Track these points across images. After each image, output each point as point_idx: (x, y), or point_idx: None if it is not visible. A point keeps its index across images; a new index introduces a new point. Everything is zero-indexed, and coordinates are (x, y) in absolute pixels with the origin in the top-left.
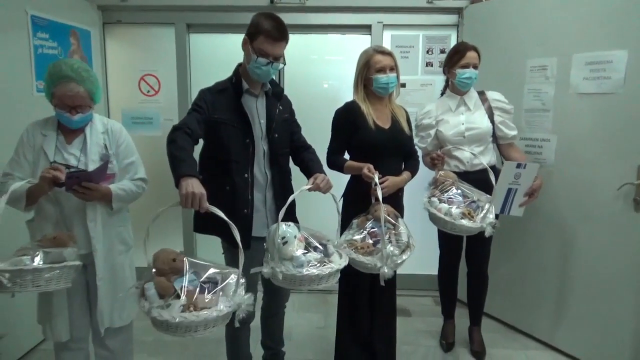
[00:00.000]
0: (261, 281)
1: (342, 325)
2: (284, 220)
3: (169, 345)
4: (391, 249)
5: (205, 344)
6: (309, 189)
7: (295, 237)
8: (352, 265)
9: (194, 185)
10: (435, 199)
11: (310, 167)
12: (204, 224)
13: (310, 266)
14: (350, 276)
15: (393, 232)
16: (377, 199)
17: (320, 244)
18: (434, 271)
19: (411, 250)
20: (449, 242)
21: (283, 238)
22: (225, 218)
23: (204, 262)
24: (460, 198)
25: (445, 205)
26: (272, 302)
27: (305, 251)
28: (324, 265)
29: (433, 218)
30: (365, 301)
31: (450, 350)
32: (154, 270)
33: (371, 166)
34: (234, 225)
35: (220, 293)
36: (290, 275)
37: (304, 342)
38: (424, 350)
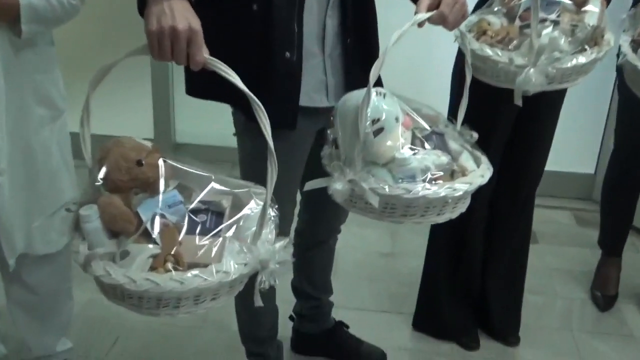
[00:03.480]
0: (300, 187)
1: (434, 261)
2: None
3: None
4: (555, 35)
5: None
6: (430, 20)
7: (397, 120)
8: (475, 74)
9: (178, 14)
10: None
11: None
12: (207, 80)
13: (429, 179)
14: None
15: (575, 18)
16: None
17: (435, 133)
18: (582, 169)
19: (600, 51)
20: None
21: (376, 121)
22: (240, 84)
23: (198, 171)
24: None
25: None
26: (318, 224)
27: (415, 149)
28: (455, 175)
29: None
30: (479, 232)
31: (609, 307)
32: (100, 180)
33: None
34: (254, 99)
35: (229, 235)
36: (391, 196)
37: (357, 280)
38: (565, 305)
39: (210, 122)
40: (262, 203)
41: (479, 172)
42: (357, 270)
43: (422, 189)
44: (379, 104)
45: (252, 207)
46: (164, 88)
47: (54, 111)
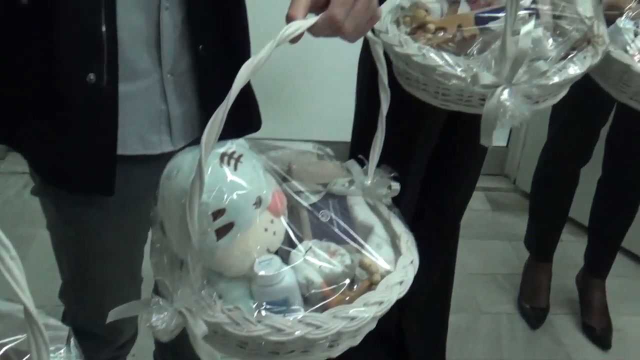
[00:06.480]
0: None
1: None
2: (231, 128)
3: None
4: (539, 34)
5: None
6: (313, 30)
7: (257, 204)
8: (404, 86)
9: None
10: (627, 22)
11: None
12: None
13: (314, 298)
14: None
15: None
16: None
17: (330, 197)
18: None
19: (597, 54)
20: (583, 104)
21: (220, 213)
22: None
23: None
24: None
25: None
26: None
27: (293, 245)
28: (357, 281)
29: (615, 73)
30: None
31: (541, 322)
32: None
33: None
34: None
35: None
36: (241, 337)
37: None
38: (491, 324)
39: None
40: None
41: (396, 275)
42: None
43: (297, 325)
44: (226, 182)
45: None
46: None
47: None
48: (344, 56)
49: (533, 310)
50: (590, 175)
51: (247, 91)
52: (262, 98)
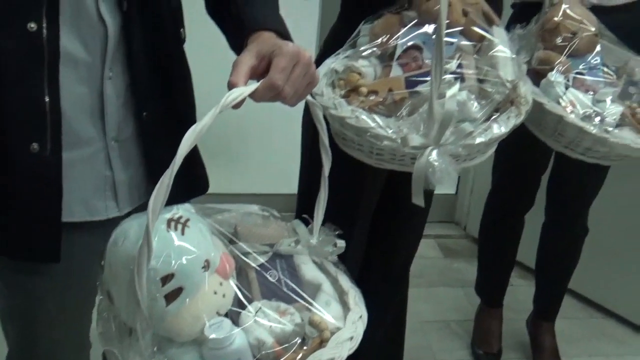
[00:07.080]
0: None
1: None
2: (178, 192)
3: None
4: (457, 92)
5: None
6: (254, 96)
7: (205, 267)
8: (341, 146)
9: None
10: (558, 76)
11: (249, 18)
12: None
13: (267, 354)
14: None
15: (475, 57)
16: None
17: (277, 257)
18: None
19: (520, 114)
20: (523, 154)
21: (168, 278)
22: None
23: None
24: (600, 75)
25: (586, 97)
26: None
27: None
28: (307, 340)
29: (550, 124)
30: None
31: None
32: None
33: None
34: None
35: None
36: None
37: None
38: None
39: None
40: None
41: (346, 332)
42: None
43: None
44: (173, 247)
45: None
46: None
47: None
48: (291, 108)
49: (486, 355)
50: (535, 220)
51: (193, 154)
52: (211, 153)
